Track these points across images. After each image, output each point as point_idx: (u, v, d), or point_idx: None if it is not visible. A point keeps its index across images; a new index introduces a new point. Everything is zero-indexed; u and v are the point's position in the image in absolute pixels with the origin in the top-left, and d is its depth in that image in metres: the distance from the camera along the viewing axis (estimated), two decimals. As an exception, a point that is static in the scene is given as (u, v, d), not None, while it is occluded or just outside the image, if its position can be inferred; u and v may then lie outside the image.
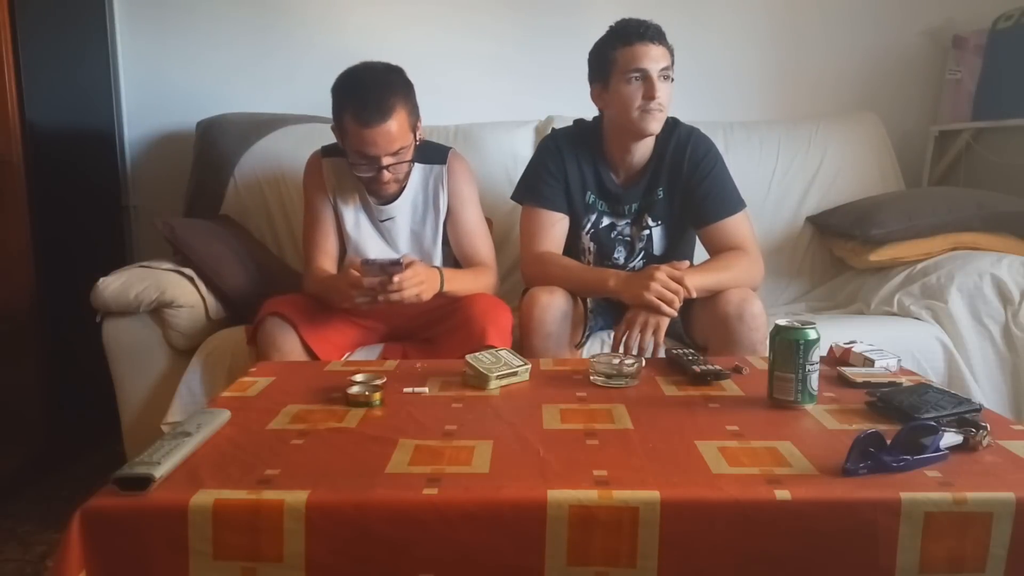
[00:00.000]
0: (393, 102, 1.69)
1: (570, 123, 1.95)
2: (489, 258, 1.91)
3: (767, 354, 1.62)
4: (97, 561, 0.88)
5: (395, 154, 1.72)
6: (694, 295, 1.64)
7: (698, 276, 1.66)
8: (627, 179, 1.86)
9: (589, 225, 1.87)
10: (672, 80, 1.75)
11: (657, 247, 1.88)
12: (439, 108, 2.59)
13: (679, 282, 1.61)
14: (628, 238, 1.88)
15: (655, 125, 1.74)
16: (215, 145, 2.38)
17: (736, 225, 1.80)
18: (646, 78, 1.70)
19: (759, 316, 1.64)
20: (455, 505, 0.89)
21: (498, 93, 2.67)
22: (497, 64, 2.65)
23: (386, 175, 1.74)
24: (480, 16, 2.63)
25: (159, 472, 0.92)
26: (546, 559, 0.88)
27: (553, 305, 1.68)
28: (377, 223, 1.88)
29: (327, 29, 2.62)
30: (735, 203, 1.82)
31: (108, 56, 2.58)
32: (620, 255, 1.90)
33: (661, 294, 1.60)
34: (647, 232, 1.86)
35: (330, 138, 1.89)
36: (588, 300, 1.82)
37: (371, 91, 1.69)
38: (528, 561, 0.88)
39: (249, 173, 2.38)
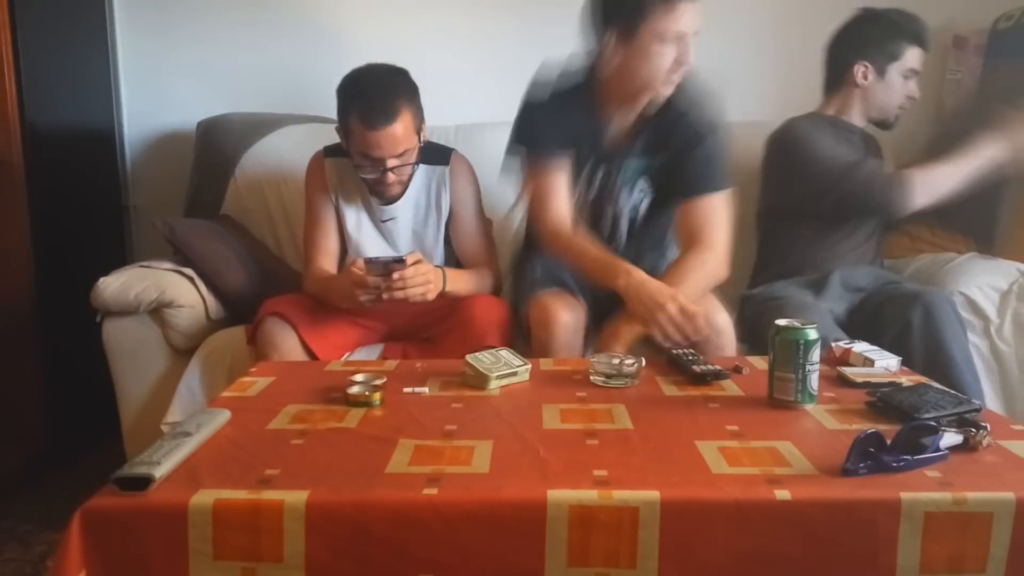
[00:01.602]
0: (399, 105, 1.69)
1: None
2: (491, 259, 1.92)
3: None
4: (97, 561, 0.88)
5: (399, 156, 1.72)
6: (705, 333, 1.48)
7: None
8: (620, 136, 1.70)
9: (587, 170, 1.73)
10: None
11: (642, 215, 1.77)
12: (440, 108, 2.59)
13: (692, 319, 1.46)
14: (620, 204, 1.74)
15: (672, 89, 1.61)
16: (216, 145, 2.38)
17: (709, 206, 1.66)
18: (682, 41, 1.53)
19: (725, 332, 1.59)
20: (455, 505, 0.89)
21: (499, 93, 2.65)
22: (498, 64, 2.64)
23: (390, 177, 1.74)
24: (481, 16, 2.62)
25: (159, 472, 0.92)
26: (546, 559, 0.88)
27: (574, 324, 1.64)
28: (378, 223, 1.88)
29: (328, 29, 2.62)
30: (712, 182, 1.67)
31: (108, 56, 2.58)
32: (608, 221, 1.78)
33: (664, 330, 1.46)
34: (641, 196, 1.74)
35: (331, 138, 1.88)
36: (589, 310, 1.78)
37: (377, 94, 1.69)
38: (528, 561, 0.88)
39: (250, 173, 2.38)
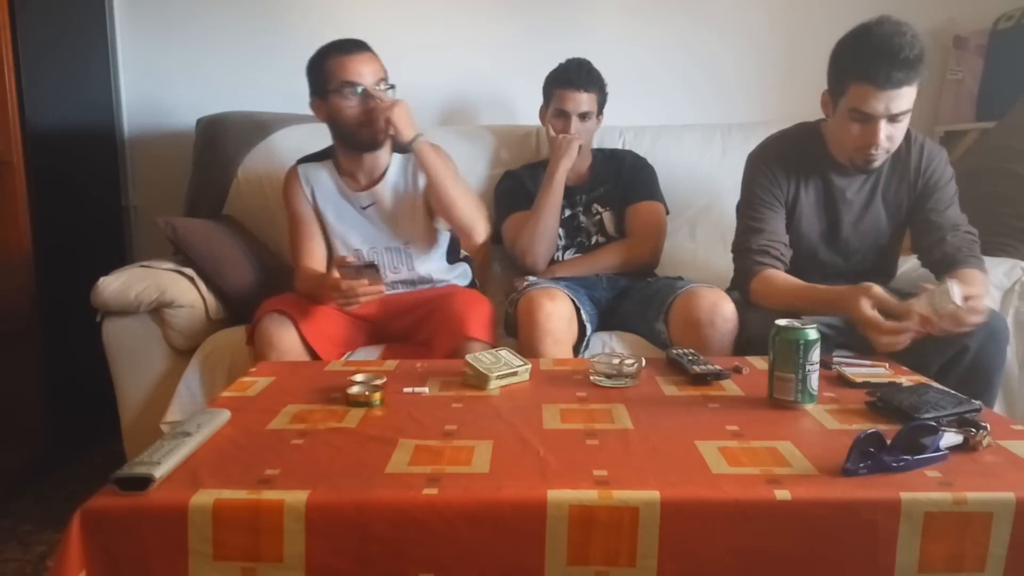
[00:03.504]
0: (367, 45, 1.82)
1: None
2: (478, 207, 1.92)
3: (737, 354, 1.63)
4: (97, 561, 0.89)
5: (378, 84, 1.80)
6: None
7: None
8: (575, 180, 2.18)
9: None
10: (594, 118, 2.15)
11: (608, 227, 2.16)
12: (441, 109, 2.59)
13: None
14: (584, 223, 2.16)
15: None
16: (218, 144, 2.38)
17: (644, 207, 2.13)
18: (569, 118, 2.09)
19: (730, 320, 1.68)
20: (455, 505, 0.89)
21: (501, 95, 2.67)
22: (500, 66, 2.64)
23: (375, 106, 1.78)
24: (482, 19, 2.62)
25: (159, 472, 0.93)
26: (546, 559, 0.88)
27: (557, 313, 1.70)
28: (360, 210, 1.90)
29: (328, 30, 2.59)
30: (647, 194, 2.16)
31: (108, 56, 2.58)
32: (583, 237, 2.16)
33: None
34: (598, 217, 2.16)
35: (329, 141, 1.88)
36: (583, 307, 1.82)
37: (349, 38, 1.84)
38: (528, 561, 0.88)
39: (252, 173, 2.38)
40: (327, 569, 0.89)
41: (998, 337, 1.56)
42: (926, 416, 1.08)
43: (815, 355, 1.19)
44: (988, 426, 1.03)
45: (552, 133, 2.13)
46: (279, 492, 0.90)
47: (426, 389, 1.30)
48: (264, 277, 2.05)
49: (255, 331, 1.68)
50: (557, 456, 1.00)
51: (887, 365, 1.42)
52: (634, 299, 1.94)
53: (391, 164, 1.92)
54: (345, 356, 1.73)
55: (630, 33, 2.64)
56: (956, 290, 1.35)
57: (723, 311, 1.68)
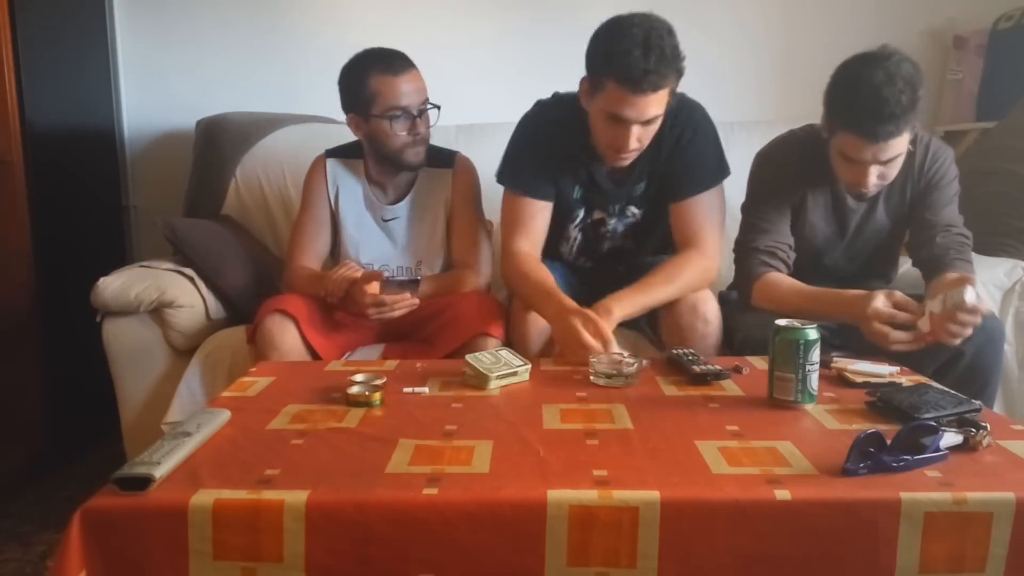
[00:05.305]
0: (411, 61, 1.79)
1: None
2: (479, 261, 1.91)
3: (720, 354, 1.62)
4: (97, 561, 0.89)
5: (423, 104, 1.78)
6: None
7: (627, 302, 1.56)
8: (616, 172, 1.73)
9: (579, 220, 1.79)
10: (662, 115, 1.61)
11: (639, 232, 1.82)
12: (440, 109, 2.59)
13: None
14: (612, 232, 1.80)
15: (623, 162, 1.66)
16: (216, 144, 2.38)
17: (696, 208, 1.69)
18: (623, 125, 1.56)
19: (712, 321, 1.64)
20: (455, 505, 0.89)
21: (500, 93, 2.66)
22: (499, 64, 2.64)
23: (420, 128, 1.78)
24: (481, 17, 2.63)
25: (159, 472, 0.92)
26: (546, 559, 0.88)
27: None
28: (381, 222, 1.89)
29: (327, 30, 2.62)
30: (693, 186, 1.70)
31: (108, 56, 2.58)
32: (606, 246, 1.84)
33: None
34: (630, 220, 1.79)
35: (331, 138, 1.88)
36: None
37: (392, 50, 1.79)
38: (528, 561, 0.88)
39: (251, 173, 2.38)
40: (327, 569, 0.89)
41: (994, 338, 1.55)
42: (926, 416, 1.08)
43: (815, 355, 1.19)
44: (988, 426, 1.03)
45: (599, 129, 1.62)
46: (279, 492, 0.90)
47: (426, 389, 1.30)
48: (263, 277, 2.05)
49: (257, 331, 1.68)
50: (557, 456, 1.00)
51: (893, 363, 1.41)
52: None
53: (419, 177, 1.91)
54: (345, 356, 1.73)
55: (630, 33, 2.63)
56: (971, 294, 1.36)
57: (704, 312, 1.64)
